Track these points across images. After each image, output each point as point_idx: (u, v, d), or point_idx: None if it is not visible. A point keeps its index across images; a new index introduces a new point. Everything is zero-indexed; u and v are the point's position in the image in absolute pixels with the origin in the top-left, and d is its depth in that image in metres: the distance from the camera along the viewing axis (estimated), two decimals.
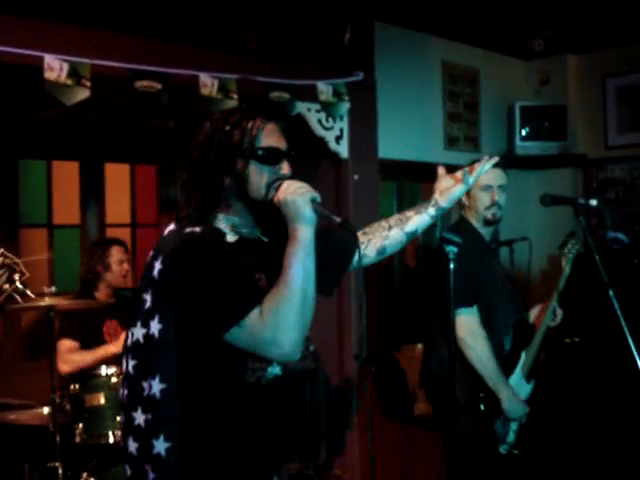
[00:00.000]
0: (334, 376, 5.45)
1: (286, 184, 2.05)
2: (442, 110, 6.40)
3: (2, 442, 4.00)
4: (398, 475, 4.95)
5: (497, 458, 3.45)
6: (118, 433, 3.74)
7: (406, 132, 5.95)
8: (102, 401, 3.80)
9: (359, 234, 2.43)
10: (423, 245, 6.46)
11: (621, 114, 6.69)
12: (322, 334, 4.94)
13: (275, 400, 2.16)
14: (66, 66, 3.89)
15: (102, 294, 4.43)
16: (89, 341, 4.26)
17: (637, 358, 3.01)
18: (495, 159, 2.47)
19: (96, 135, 5.16)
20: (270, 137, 2.11)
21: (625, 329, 3.03)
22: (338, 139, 5.20)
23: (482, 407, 3.39)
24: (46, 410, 3.92)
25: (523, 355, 3.60)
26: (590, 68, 6.85)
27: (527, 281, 3.86)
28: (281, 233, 2.10)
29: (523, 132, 6.75)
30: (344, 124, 5.23)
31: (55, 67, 3.87)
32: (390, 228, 2.54)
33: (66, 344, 4.17)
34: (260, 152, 2.08)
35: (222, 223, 2.13)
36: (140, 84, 4.14)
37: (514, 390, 3.45)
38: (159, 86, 4.19)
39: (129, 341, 2.11)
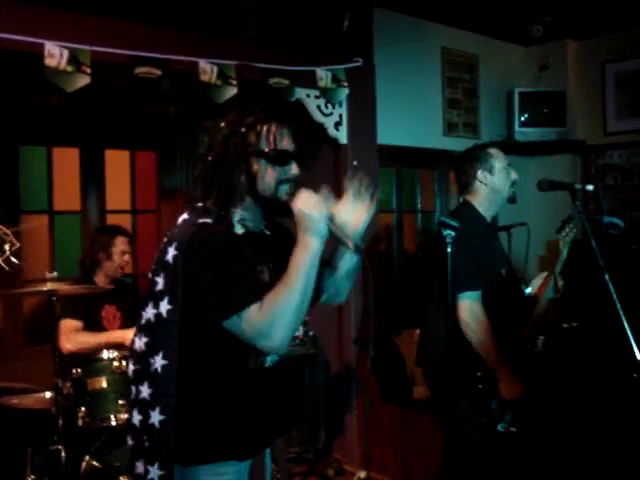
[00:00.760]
0: (333, 361, 5.49)
1: (306, 196, 2.20)
2: (441, 96, 6.42)
3: (5, 426, 4.03)
4: (395, 458, 5.00)
5: (494, 438, 3.48)
6: (120, 416, 3.78)
7: (405, 118, 5.96)
8: (104, 385, 3.83)
9: None
10: (422, 230, 6.49)
11: (620, 100, 6.70)
12: (321, 319, 4.97)
13: (272, 381, 2.38)
14: (66, 53, 3.91)
15: (101, 280, 4.45)
16: (88, 324, 4.29)
17: (633, 342, 3.04)
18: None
19: (96, 121, 5.17)
20: (281, 140, 2.30)
21: (621, 313, 3.07)
22: (337, 125, 5.23)
23: (480, 386, 3.42)
24: (48, 394, 3.95)
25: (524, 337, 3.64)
26: (589, 54, 6.86)
27: (525, 266, 3.88)
28: (283, 229, 2.42)
29: (522, 118, 6.77)
30: (343, 110, 5.25)
31: (55, 54, 3.89)
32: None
33: (70, 323, 4.19)
34: (272, 153, 2.27)
35: (232, 216, 2.30)
36: (140, 70, 4.16)
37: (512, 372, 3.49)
38: (159, 72, 4.21)
39: (142, 321, 2.27)
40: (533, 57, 7.03)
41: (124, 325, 4.39)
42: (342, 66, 5.11)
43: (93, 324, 4.32)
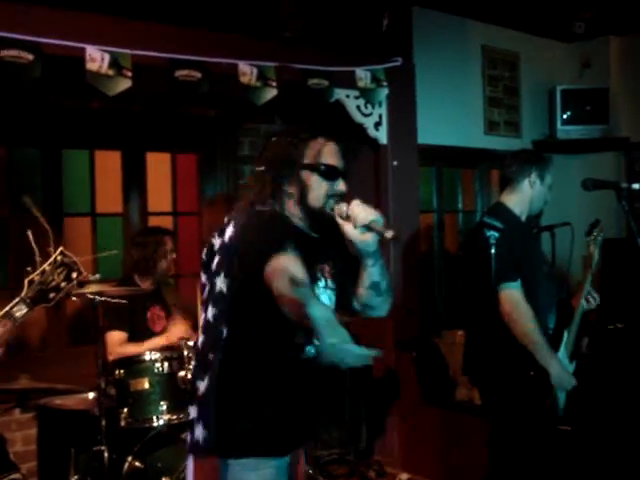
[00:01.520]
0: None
1: (361, 215, 2.27)
2: (482, 95, 6.37)
3: (48, 427, 4.07)
4: (437, 460, 4.96)
5: (551, 439, 3.44)
6: (163, 417, 3.80)
7: (445, 117, 5.92)
8: (146, 386, 3.85)
9: None
10: (464, 230, 6.44)
11: None
12: (363, 319, 4.94)
13: (313, 375, 2.43)
14: (107, 57, 3.94)
15: (144, 283, 4.48)
16: (134, 328, 4.32)
17: None
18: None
19: (137, 125, 5.21)
20: (330, 156, 2.43)
21: None
22: (377, 125, 5.20)
23: (533, 387, 3.39)
24: (91, 395, 3.99)
25: (565, 334, 3.58)
26: (632, 50, 6.75)
27: (568, 266, 3.83)
28: (329, 238, 2.47)
29: (564, 116, 6.69)
30: (383, 110, 5.22)
31: (97, 58, 3.92)
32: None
33: (115, 337, 4.23)
34: (322, 167, 2.40)
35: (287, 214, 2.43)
36: (180, 73, 4.18)
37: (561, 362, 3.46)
38: (199, 75, 4.23)
39: (215, 291, 2.36)
40: (575, 54, 6.94)
41: (169, 324, 4.42)
42: (382, 66, 5.08)
43: (140, 327, 4.35)
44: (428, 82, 5.60)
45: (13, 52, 3.71)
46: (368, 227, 2.27)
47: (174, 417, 3.79)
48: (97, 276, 3.79)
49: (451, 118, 6.00)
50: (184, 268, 5.38)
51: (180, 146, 5.59)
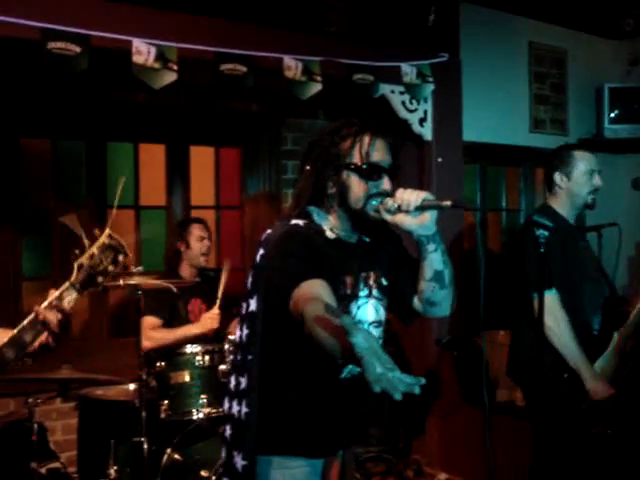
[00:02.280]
0: (415, 361, 5.42)
1: (412, 198, 2.15)
2: (528, 92, 6.28)
3: (89, 417, 4.10)
4: (477, 461, 4.91)
5: (588, 441, 3.39)
6: (203, 410, 3.81)
7: (491, 114, 5.86)
8: (187, 379, 3.86)
9: None
10: (507, 229, 6.36)
11: None
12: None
13: (349, 389, 2.32)
14: (153, 50, 3.96)
15: (186, 273, 4.49)
16: (174, 319, 4.33)
17: None
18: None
19: (182, 118, 5.23)
20: (375, 153, 2.27)
21: None
22: (422, 121, 5.16)
23: (566, 390, 3.34)
24: (132, 386, 4.01)
25: (615, 335, 3.51)
26: None
27: (616, 267, 3.76)
28: (380, 239, 2.37)
29: (612, 114, 6.56)
30: (428, 106, 5.18)
31: (143, 51, 3.94)
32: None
33: (150, 321, 4.24)
34: (364, 167, 2.25)
35: (324, 222, 2.31)
36: (225, 67, 4.19)
37: (597, 371, 3.39)
38: (244, 69, 4.23)
39: (246, 310, 2.29)
40: (624, 52, 6.81)
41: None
42: (427, 61, 5.04)
43: (179, 318, 4.36)
44: (474, 78, 5.55)
45: (60, 44, 3.74)
46: (422, 207, 2.15)
47: (214, 410, 3.80)
48: (140, 268, 3.82)
49: (496, 115, 5.93)
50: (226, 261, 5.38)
51: (224, 140, 5.61)
